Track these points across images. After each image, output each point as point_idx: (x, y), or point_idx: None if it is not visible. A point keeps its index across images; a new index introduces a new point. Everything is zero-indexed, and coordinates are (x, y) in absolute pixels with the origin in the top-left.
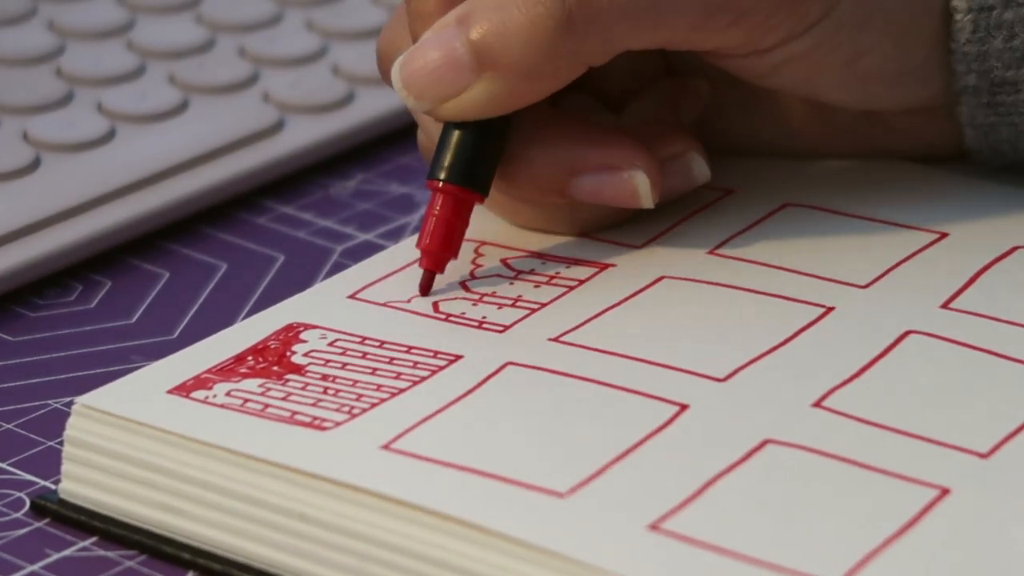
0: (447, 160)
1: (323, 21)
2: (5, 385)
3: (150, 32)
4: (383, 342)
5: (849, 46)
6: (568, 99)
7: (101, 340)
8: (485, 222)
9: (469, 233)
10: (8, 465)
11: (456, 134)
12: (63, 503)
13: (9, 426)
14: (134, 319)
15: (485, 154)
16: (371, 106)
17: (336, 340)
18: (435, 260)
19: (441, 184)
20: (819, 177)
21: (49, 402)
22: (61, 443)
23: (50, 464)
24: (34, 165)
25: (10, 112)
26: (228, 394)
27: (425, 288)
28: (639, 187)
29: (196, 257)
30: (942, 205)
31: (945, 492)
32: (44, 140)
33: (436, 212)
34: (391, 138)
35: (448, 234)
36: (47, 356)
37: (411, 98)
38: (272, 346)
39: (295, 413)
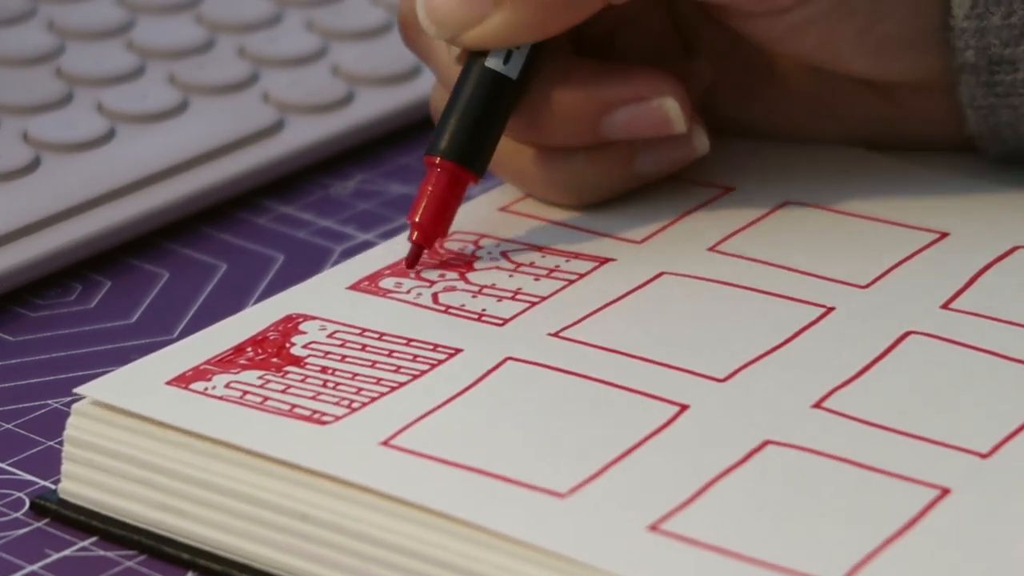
0: (447, 135)
1: (323, 21)
2: (5, 385)
3: (150, 32)
4: (382, 334)
5: (866, 11)
6: None
7: (101, 340)
8: (486, 214)
9: (471, 226)
10: (8, 465)
11: (460, 109)
12: (63, 503)
13: (9, 426)
14: (134, 319)
15: (486, 134)
16: (371, 106)
17: (335, 332)
18: (425, 235)
19: (439, 160)
20: (820, 175)
21: (49, 402)
22: (61, 443)
23: (50, 464)
24: (34, 165)
25: (10, 112)
26: (227, 386)
27: (412, 262)
28: (670, 112)
29: (196, 257)
30: (943, 204)
31: (945, 492)
32: (44, 140)
33: (430, 188)
34: (391, 138)
35: (440, 210)
36: (47, 356)
37: (433, 26)
38: (271, 337)
39: (294, 407)
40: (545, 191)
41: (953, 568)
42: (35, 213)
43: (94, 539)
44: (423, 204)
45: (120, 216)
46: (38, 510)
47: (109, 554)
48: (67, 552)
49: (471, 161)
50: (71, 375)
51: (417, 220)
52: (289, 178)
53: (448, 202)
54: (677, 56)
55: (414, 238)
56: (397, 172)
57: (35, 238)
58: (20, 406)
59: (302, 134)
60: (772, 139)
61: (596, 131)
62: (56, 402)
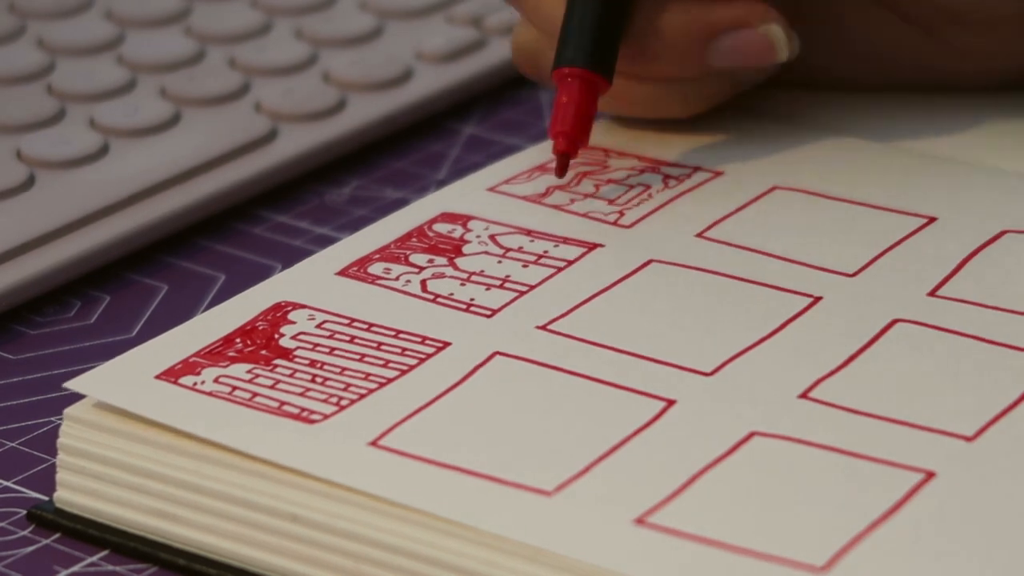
0: (572, 46)
1: (312, 29)
2: (7, 403)
3: (140, 46)
4: (371, 325)
5: None
6: None
7: (102, 355)
8: (474, 194)
9: (458, 207)
10: (12, 483)
11: (577, 20)
12: (59, 512)
13: (12, 444)
14: (134, 333)
15: (608, 39)
16: (363, 112)
17: (324, 322)
18: (569, 142)
19: (568, 70)
20: (808, 160)
21: (51, 419)
22: None
23: (53, 481)
24: (29, 183)
25: (3, 130)
26: (216, 380)
27: (561, 170)
28: (775, 40)
29: (193, 269)
30: (931, 189)
31: (930, 475)
32: (38, 157)
33: (565, 98)
34: (384, 144)
35: (579, 117)
36: (48, 373)
37: None
38: (260, 327)
39: (283, 404)
40: (656, 113)
41: (938, 550)
42: (31, 231)
43: (102, 554)
44: (562, 114)
45: (117, 231)
46: (35, 520)
47: (119, 568)
48: (75, 568)
49: (599, 66)
50: (73, 391)
51: (559, 129)
52: (284, 187)
53: (585, 109)
54: None
55: (559, 148)
56: (391, 178)
57: (32, 255)
58: (23, 424)
59: (295, 142)
60: (818, 87)
61: (702, 59)
62: (59, 419)
